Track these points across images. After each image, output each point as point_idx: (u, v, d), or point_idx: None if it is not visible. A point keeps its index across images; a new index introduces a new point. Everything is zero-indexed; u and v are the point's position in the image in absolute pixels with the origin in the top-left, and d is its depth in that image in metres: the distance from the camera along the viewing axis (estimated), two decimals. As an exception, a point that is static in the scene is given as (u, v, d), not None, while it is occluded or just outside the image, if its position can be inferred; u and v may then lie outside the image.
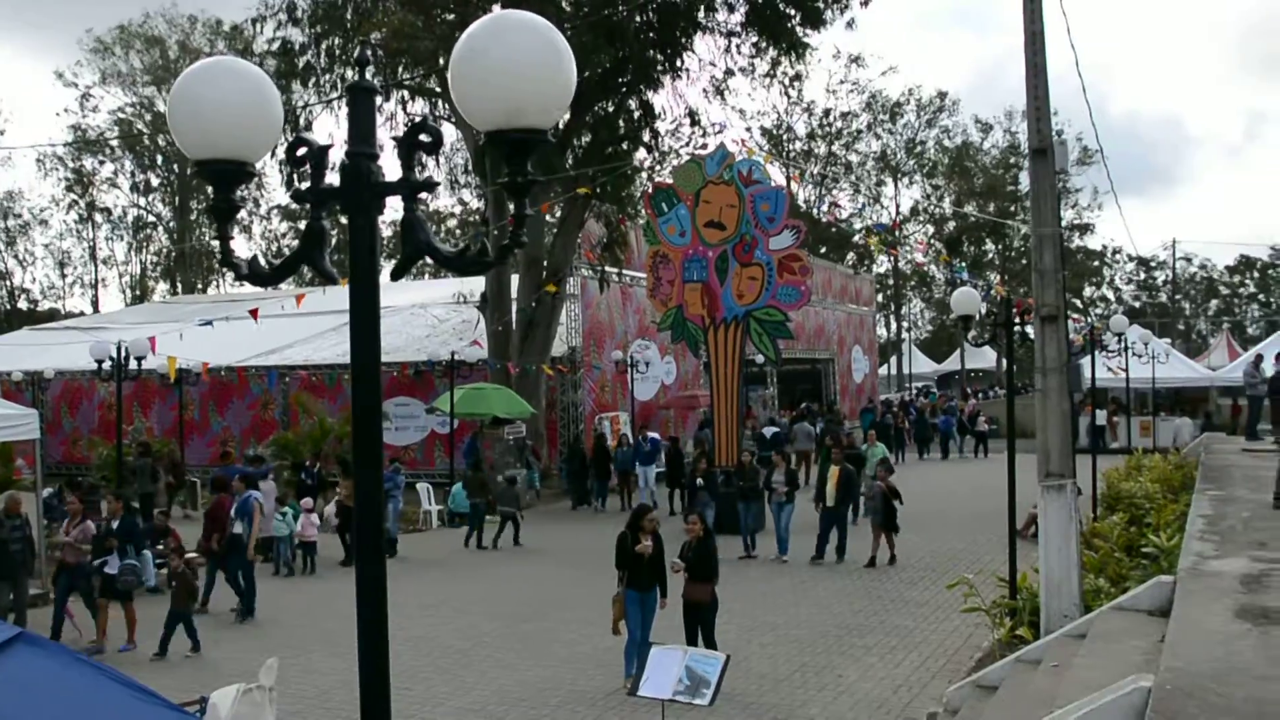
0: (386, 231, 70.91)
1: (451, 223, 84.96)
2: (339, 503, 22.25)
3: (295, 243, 3.87)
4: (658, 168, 33.19)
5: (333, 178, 3.88)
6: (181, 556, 16.02)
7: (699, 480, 23.09)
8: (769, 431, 36.98)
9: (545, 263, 32.29)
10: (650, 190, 27.11)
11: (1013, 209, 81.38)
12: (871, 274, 70.93)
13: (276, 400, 36.38)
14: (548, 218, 35.00)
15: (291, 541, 20.86)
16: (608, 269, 33.82)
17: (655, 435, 30.82)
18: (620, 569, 12.78)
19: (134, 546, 16.42)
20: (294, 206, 61.10)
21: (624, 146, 31.73)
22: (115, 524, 16.29)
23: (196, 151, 3.84)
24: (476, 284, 34.73)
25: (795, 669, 13.40)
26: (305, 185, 3.89)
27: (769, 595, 17.82)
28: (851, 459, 23.12)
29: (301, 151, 3.86)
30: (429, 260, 3.94)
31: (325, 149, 3.89)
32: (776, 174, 75.13)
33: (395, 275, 4.22)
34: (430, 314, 40.80)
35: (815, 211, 71.06)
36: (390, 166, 3.85)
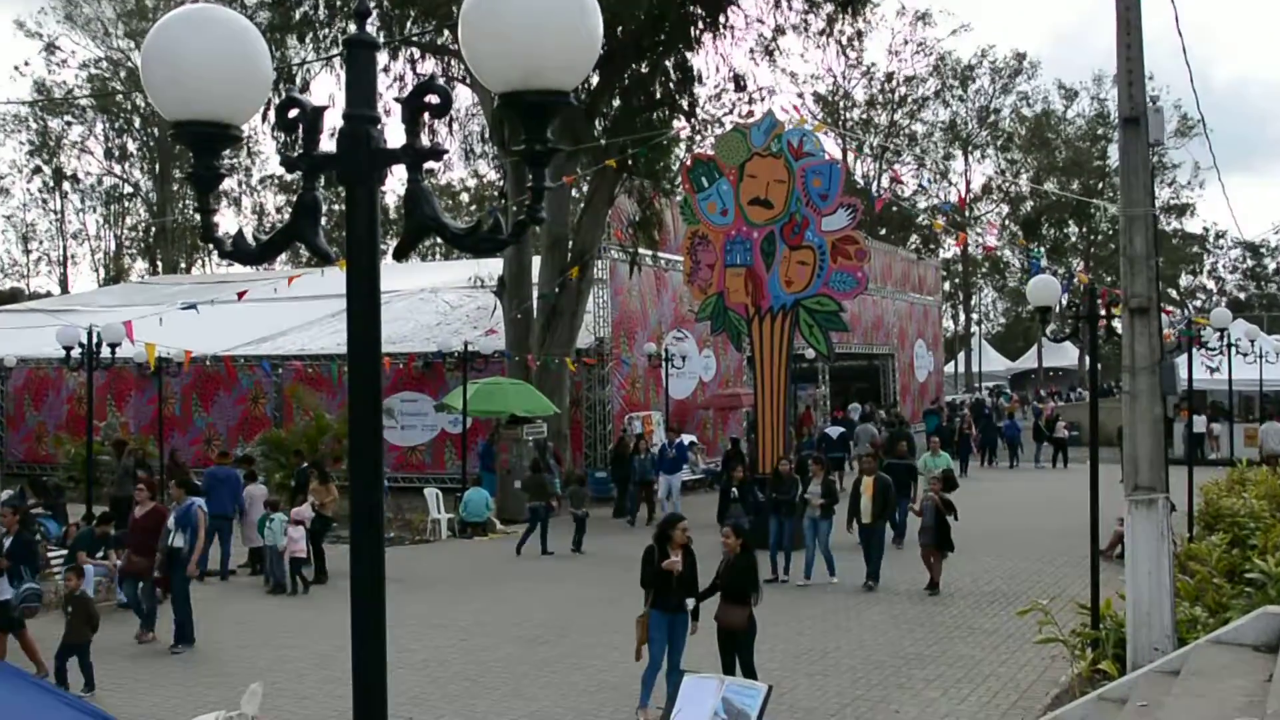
0: (390, 202, 71.30)
1: (465, 198, 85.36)
2: (315, 509, 21.89)
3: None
4: (697, 138, 33.18)
5: (330, 144, 3.86)
6: (80, 576, 15.19)
7: (734, 490, 22.93)
8: (834, 431, 36.99)
9: (570, 243, 32.31)
10: (689, 163, 27.07)
11: (1100, 186, 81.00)
12: (937, 259, 70.70)
13: (268, 394, 36.60)
14: (573, 193, 35.02)
15: (279, 555, 20.81)
16: (640, 251, 33.80)
17: (685, 438, 30.77)
18: (646, 587, 12.72)
19: (29, 568, 15.53)
20: (288, 177, 61.39)
21: (659, 113, 31.69)
22: (9, 541, 15.43)
23: (174, 111, 3.81)
24: (494, 267, 34.82)
25: (846, 703, 13.35)
26: (298, 152, 3.87)
27: (816, 619, 17.76)
28: (893, 469, 22.92)
29: (293, 113, 3.84)
30: (437, 239, 3.92)
31: (320, 111, 3.87)
32: (831, 146, 74.80)
33: (398, 254, 4.21)
34: (441, 299, 40.93)
35: (874, 188, 70.84)
36: (395, 132, 3.84)
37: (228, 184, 76.15)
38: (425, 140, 3.80)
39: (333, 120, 3.88)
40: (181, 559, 16.89)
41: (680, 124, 32.66)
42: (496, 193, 43.22)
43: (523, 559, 23.91)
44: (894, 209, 70.22)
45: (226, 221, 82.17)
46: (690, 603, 12.60)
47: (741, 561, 12.80)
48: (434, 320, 38.54)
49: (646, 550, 12.87)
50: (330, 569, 21.57)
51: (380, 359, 3.90)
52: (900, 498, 22.91)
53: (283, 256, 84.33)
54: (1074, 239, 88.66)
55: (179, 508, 17.29)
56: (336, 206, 59.86)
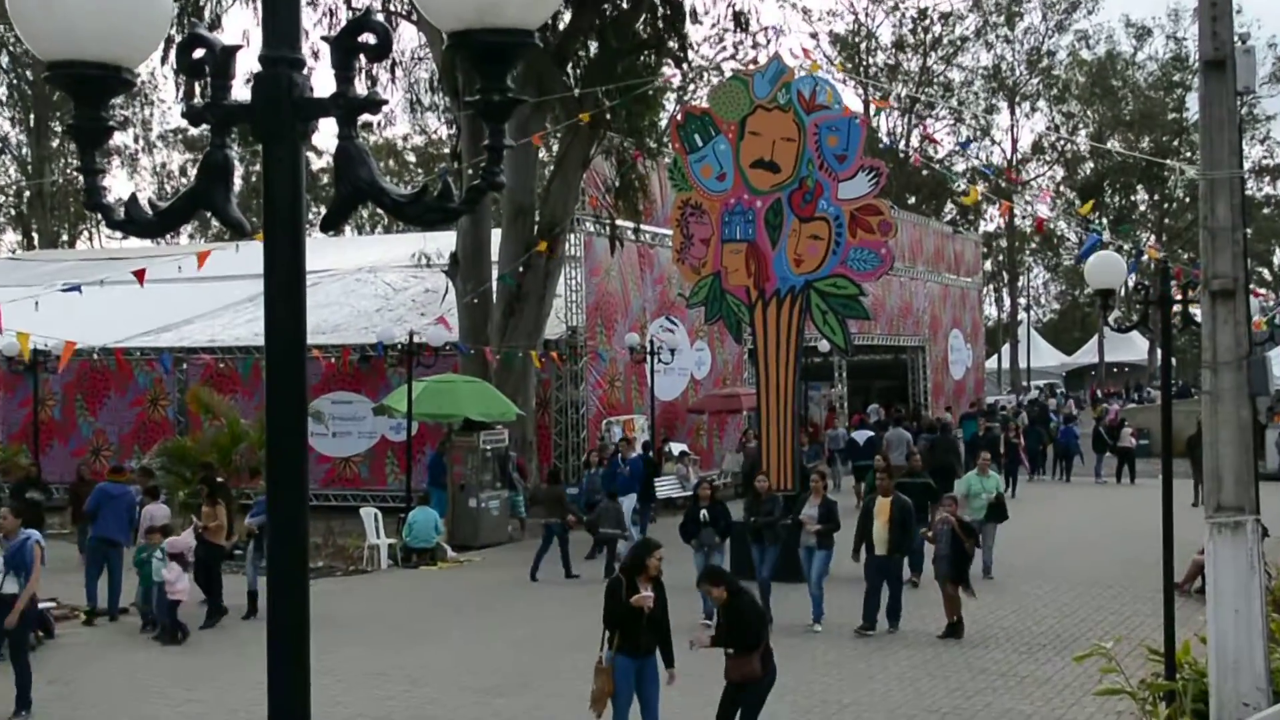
0: (319, 164, 71.19)
1: (411, 158, 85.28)
2: (199, 536, 21.51)
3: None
4: (690, 88, 33.17)
5: (244, 92, 3.83)
6: None
7: (703, 512, 21.39)
8: (862, 436, 37.04)
9: (537, 214, 32.30)
10: (679, 118, 27.05)
11: (1175, 144, 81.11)
12: (977, 233, 70.90)
13: (170, 395, 36.52)
14: (541, 153, 34.99)
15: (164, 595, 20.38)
16: (620, 223, 33.79)
17: (674, 447, 30.64)
18: (610, 627, 12.63)
19: None
20: (193, 131, 61.14)
21: (644, 58, 31.69)
22: None
23: (50, 49, 3.74)
24: (445, 242, 34.80)
25: (869, 768, 13.35)
26: (205, 101, 3.83)
27: (834, 665, 17.79)
28: (912, 489, 22.18)
29: (199, 54, 3.80)
30: (376, 208, 3.89)
31: (232, 51, 3.82)
32: (850, 97, 74.82)
33: (327, 225, 4.18)
34: (382, 280, 40.91)
35: (902, 148, 70.93)
36: (325, 79, 3.81)
37: (119, 139, 75.91)
38: (361, 88, 3.77)
39: (248, 63, 3.84)
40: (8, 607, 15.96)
41: (669, 71, 32.66)
42: (448, 152, 43.06)
43: (492, 590, 23.89)
44: (926, 173, 70.40)
45: (118, 185, 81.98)
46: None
47: (735, 606, 12.67)
48: (373, 306, 38.49)
49: (611, 582, 12.81)
50: (232, 605, 21.46)
51: (305, 352, 3.87)
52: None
53: (188, 228, 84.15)
54: (1143, 208, 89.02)
55: (10, 544, 16.37)
56: (254, 169, 59.67)
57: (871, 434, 37.38)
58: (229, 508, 22.83)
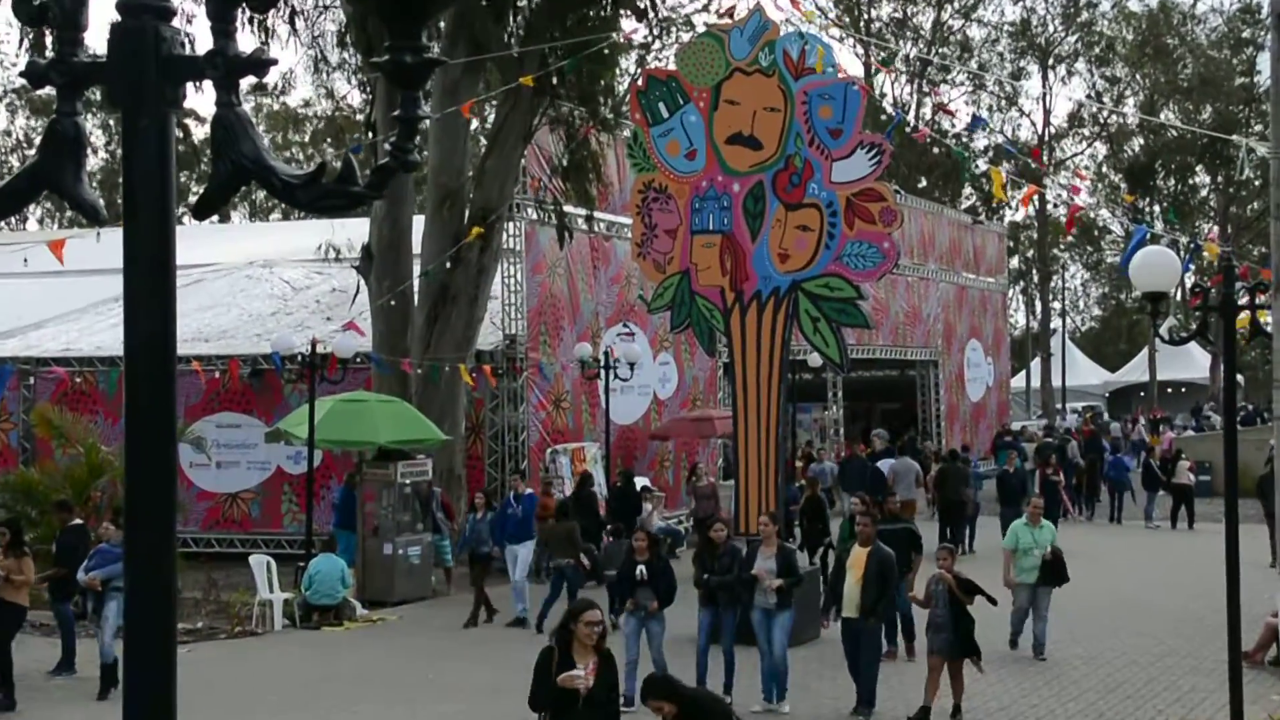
0: (198, 136, 71.03)
1: (315, 128, 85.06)
2: None
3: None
4: (654, 45, 33.20)
5: (100, 47, 3.80)
6: None
7: (640, 569, 20.27)
8: (886, 465, 37.12)
9: (469, 198, 32.25)
10: (640, 82, 27.06)
11: (1243, 116, 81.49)
12: (1002, 224, 71.11)
13: (13, 415, 36.27)
14: (473, 125, 34.93)
15: None
16: (569, 210, 33.77)
17: (530, 491, 29.79)
18: (537, 709, 12.44)
19: None
20: (38, 94, 60.66)
21: (599, 10, 31.69)
22: None
23: None
24: (357, 231, 34.71)
25: None
26: (49, 57, 3.81)
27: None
28: (892, 537, 21.06)
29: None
30: (265, 193, 3.88)
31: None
32: (848, 58, 75.10)
33: (201, 211, 4.14)
34: (278, 278, 40.83)
35: (911, 120, 71.17)
36: (205, 33, 3.79)
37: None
38: (246, 43, 3.76)
39: (104, 10, 3.82)
40: None
41: (629, 25, 32.71)
42: (362, 123, 42.99)
43: (412, 656, 23.77)
44: (939, 150, 70.62)
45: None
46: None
47: (692, 714, 12.27)
48: (267, 308, 38.40)
49: (541, 654, 12.57)
50: (87, 676, 21.31)
51: (174, 365, 3.85)
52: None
53: (36, 211, 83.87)
54: (1204, 193, 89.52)
55: None
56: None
57: (895, 463, 37.46)
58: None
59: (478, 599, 26.98)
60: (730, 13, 29.12)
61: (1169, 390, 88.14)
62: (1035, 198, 71.68)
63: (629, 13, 32.33)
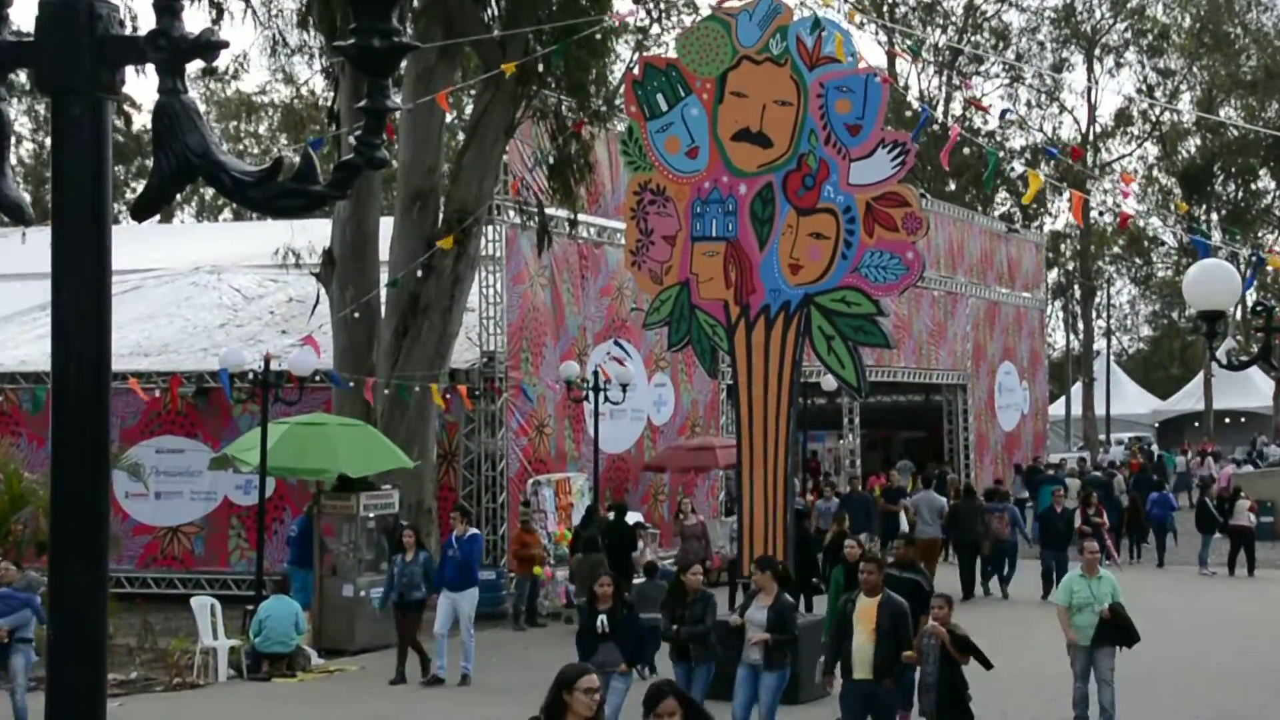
0: (137, 124, 71.00)
1: (273, 119, 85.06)
2: None
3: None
4: (652, 30, 33.20)
5: (27, 24, 3.81)
6: None
7: (600, 621, 19.95)
8: (928, 505, 37.17)
9: (443, 199, 32.25)
10: (637, 71, 27.06)
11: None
12: (1041, 233, 71.17)
13: (-71, 438, 36.24)
14: (449, 118, 34.91)
15: None
16: (554, 212, 33.77)
17: (475, 532, 29.49)
18: None
19: None
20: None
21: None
22: None
23: None
24: (319, 234, 34.68)
25: None
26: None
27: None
28: (897, 586, 20.24)
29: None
30: (214, 190, 3.88)
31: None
32: (869, 46, 75.29)
33: (140, 211, 4.14)
34: (229, 285, 40.80)
35: (939, 117, 71.27)
36: (148, 12, 3.80)
37: None
38: (195, 21, 3.76)
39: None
40: None
41: (624, 6, 32.71)
42: (324, 114, 42.97)
43: (373, 710, 23.75)
44: (970, 150, 70.66)
45: None
46: None
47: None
48: (215, 319, 38.37)
49: None
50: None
51: (108, 382, 3.85)
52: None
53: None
54: (1268, 200, 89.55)
55: None
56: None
57: (918, 496, 37.48)
58: None
59: (404, 651, 26.42)
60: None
61: (1226, 420, 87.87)
62: (1073, 204, 71.71)
63: (624, -6, 32.38)
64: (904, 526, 38.65)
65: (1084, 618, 20.86)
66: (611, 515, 32.40)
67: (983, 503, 37.11)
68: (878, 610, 18.23)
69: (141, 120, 70.65)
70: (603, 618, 19.73)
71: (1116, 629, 20.20)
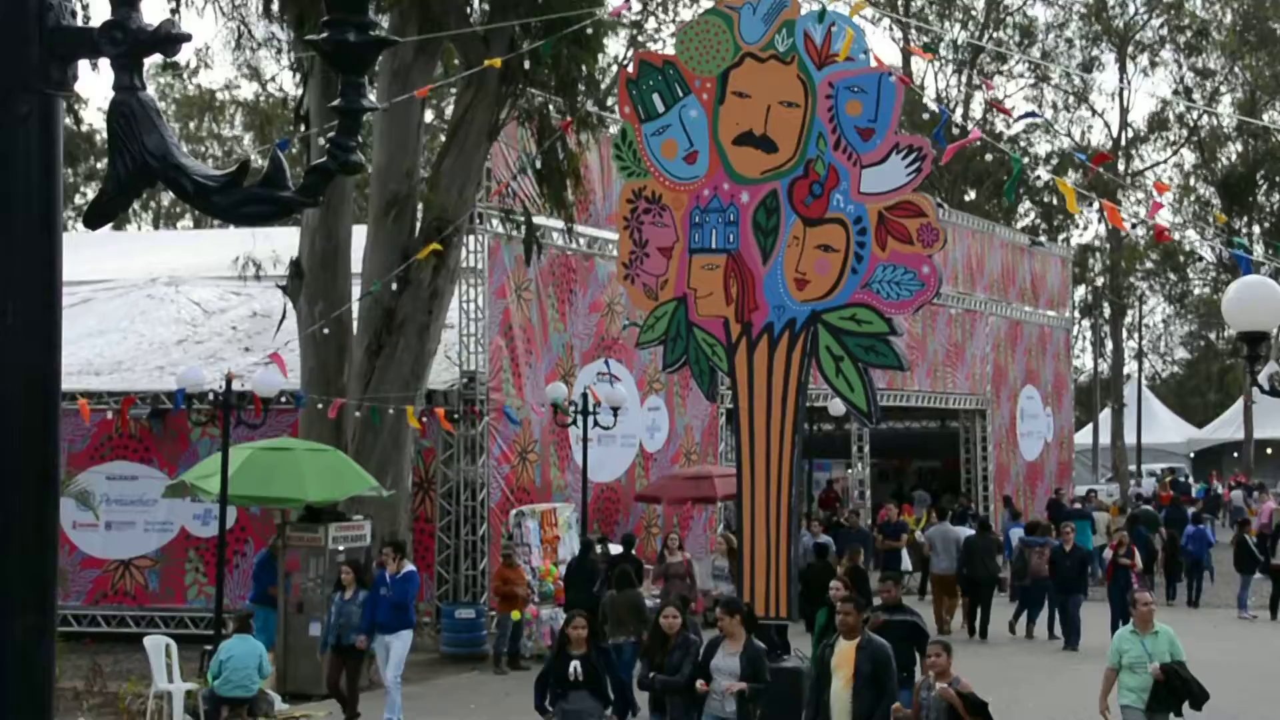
0: (92, 122, 71.09)
1: (238, 118, 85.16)
2: None
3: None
4: (647, 23, 33.24)
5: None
6: None
7: (573, 666, 19.49)
8: (962, 534, 37.17)
9: (420, 206, 32.25)
10: (631, 68, 27.09)
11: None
12: (1067, 246, 71.20)
13: None
14: (428, 116, 34.92)
15: None
16: (541, 221, 33.77)
17: (411, 569, 29.02)
18: None
19: None
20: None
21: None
22: None
23: None
24: (285, 243, 34.68)
25: None
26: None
27: None
28: (890, 631, 20.21)
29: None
30: (174, 195, 3.87)
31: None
32: (882, 43, 75.24)
33: (94, 219, 4.14)
34: (187, 298, 40.77)
35: (958, 119, 71.33)
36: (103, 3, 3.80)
37: None
38: (153, 11, 3.76)
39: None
40: None
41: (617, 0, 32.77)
42: (291, 114, 42.97)
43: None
44: (991, 156, 70.76)
45: None
46: None
47: None
48: (172, 335, 38.35)
49: None
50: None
51: (58, 401, 3.84)
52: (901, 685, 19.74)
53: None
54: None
55: None
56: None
57: (972, 533, 37.34)
58: None
59: (341, 698, 26.28)
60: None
61: (1268, 451, 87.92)
62: (1106, 212, 71.75)
63: (619, -15, 32.40)
64: (906, 564, 38.76)
65: (1137, 679, 20.20)
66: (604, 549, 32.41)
67: (998, 537, 37.17)
68: (856, 654, 17.93)
69: (91, 116, 70.60)
70: (576, 663, 19.38)
71: (1172, 692, 19.49)
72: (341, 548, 29.41)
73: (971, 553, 35.76)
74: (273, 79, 69.57)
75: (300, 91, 36.72)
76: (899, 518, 43.45)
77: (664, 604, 21.66)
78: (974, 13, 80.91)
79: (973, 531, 37.92)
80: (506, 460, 35.21)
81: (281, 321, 34.63)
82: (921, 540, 40.88)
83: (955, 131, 50.86)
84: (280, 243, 34.85)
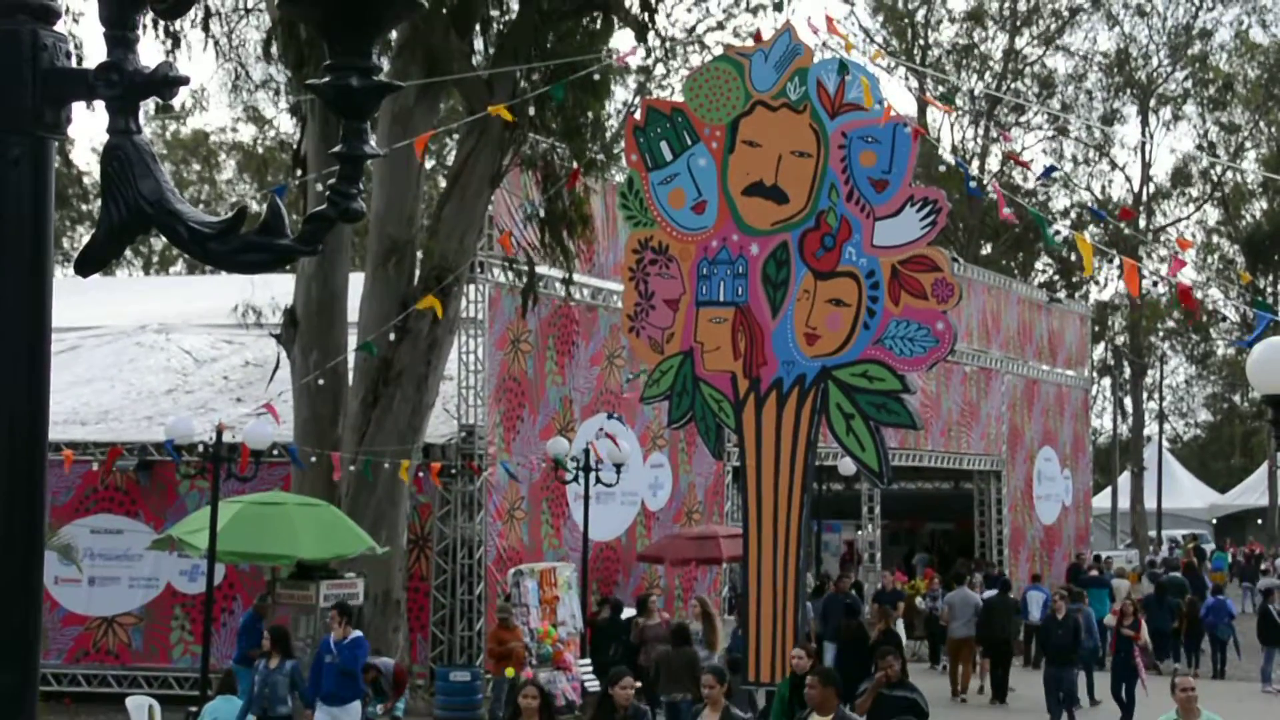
0: (82, 164, 71.09)
1: (229, 162, 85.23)
2: None
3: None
4: (656, 70, 33.26)
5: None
6: None
7: None
8: (963, 603, 37.26)
9: (420, 254, 32.23)
10: (639, 115, 27.11)
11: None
12: (1087, 303, 71.18)
13: None
14: (429, 163, 34.91)
15: None
16: (541, 271, 33.76)
17: (359, 634, 28.15)
18: None
19: None
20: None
21: (588, 22, 31.80)
22: None
23: None
24: (281, 290, 34.66)
25: None
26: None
27: None
28: (895, 705, 19.87)
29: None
30: (168, 242, 3.87)
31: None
32: (897, 93, 75.31)
33: (85, 265, 4.13)
34: (178, 346, 40.74)
35: (975, 172, 71.38)
36: (98, 42, 3.79)
37: None
38: (149, 53, 3.76)
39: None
40: None
41: (625, 44, 32.82)
42: (289, 157, 42.98)
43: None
44: (1010, 209, 70.76)
45: None
46: None
47: None
48: (161, 384, 38.30)
49: None
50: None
51: (43, 452, 3.84)
52: None
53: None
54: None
55: None
56: None
57: (953, 595, 37.39)
58: None
59: None
60: (757, 36, 28.78)
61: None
62: (1125, 274, 71.51)
63: (627, 29, 32.38)
64: (902, 633, 38.68)
65: None
66: (604, 613, 32.32)
67: (1017, 600, 37.11)
68: None
69: (82, 155, 70.61)
70: None
71: None
72: (334, 608, 29.30)
73: (991, 613, 35.73)
74: (271, 121, 69.65)
75: (298, 134, 36.76)
76: (893, 585, 43.12)
77: (617, 673, 20.57)
78: (991, 62, 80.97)
79: (993, 592, 37.95)
80: (503, 515, 35.09)
81: (275, 371, 34.62)
82: (922, 606, 40.94)
83: (970, 184, 51.04)
84: (280, 289, 34.79)
